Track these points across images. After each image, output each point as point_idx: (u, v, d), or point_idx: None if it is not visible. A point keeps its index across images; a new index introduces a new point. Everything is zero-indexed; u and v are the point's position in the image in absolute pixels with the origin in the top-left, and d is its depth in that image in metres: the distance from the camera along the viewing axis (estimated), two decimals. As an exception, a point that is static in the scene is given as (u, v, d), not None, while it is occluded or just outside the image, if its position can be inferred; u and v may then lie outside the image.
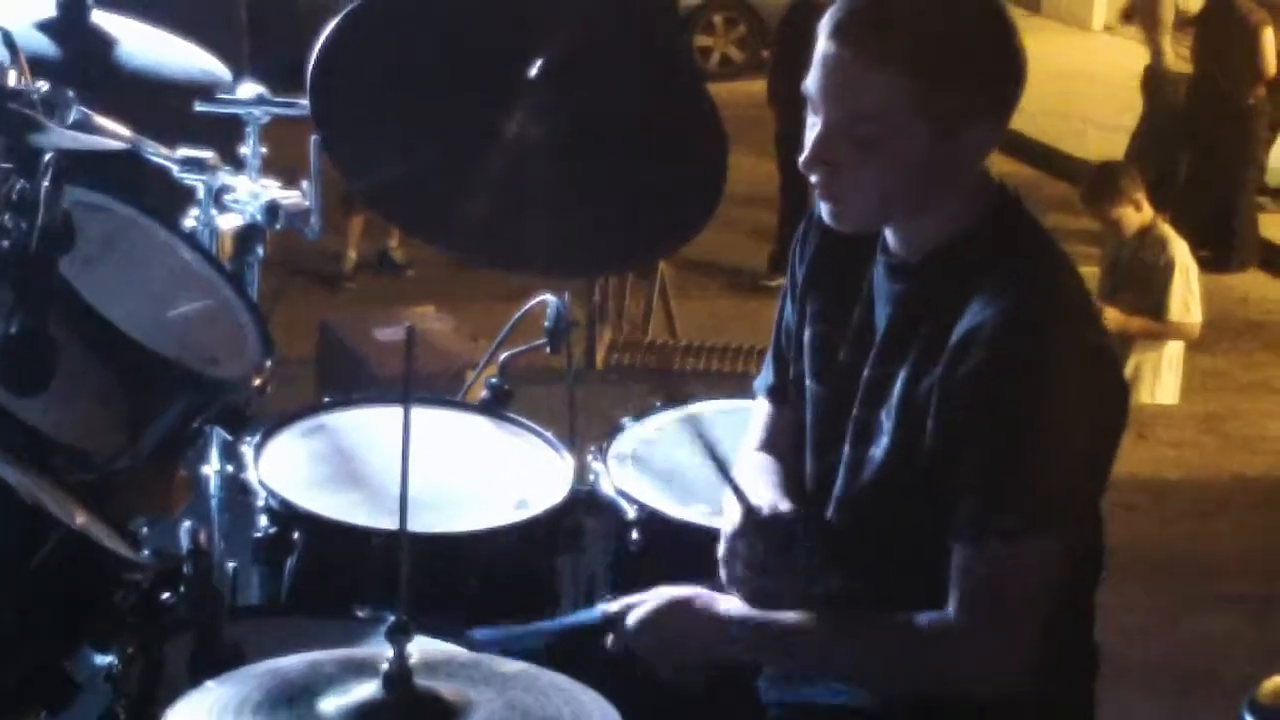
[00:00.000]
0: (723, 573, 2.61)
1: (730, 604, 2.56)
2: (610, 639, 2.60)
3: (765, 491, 2.65)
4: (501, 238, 3.45)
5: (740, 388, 3.53)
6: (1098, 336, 2.49)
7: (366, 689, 2.10)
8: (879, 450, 2.49)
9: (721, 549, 2.63)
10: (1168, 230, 6.56)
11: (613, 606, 2.62)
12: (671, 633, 2.55)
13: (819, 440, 2.61)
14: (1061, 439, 2.38)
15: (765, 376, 2.81)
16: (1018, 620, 2.38)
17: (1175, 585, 5.02)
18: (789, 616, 2.52)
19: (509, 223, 3.43)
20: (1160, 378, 6.40)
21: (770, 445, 2.79)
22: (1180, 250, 6.44)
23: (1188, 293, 6.39)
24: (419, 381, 2.40)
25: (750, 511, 2.58)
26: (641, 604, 2.59)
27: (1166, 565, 5.13)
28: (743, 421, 2.92)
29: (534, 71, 3.37)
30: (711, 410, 3.50)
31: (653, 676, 2.54)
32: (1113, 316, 6.10)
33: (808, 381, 2.64)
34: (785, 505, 2.60)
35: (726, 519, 2.65)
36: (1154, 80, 8.88)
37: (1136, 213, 6.53)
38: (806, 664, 2.55)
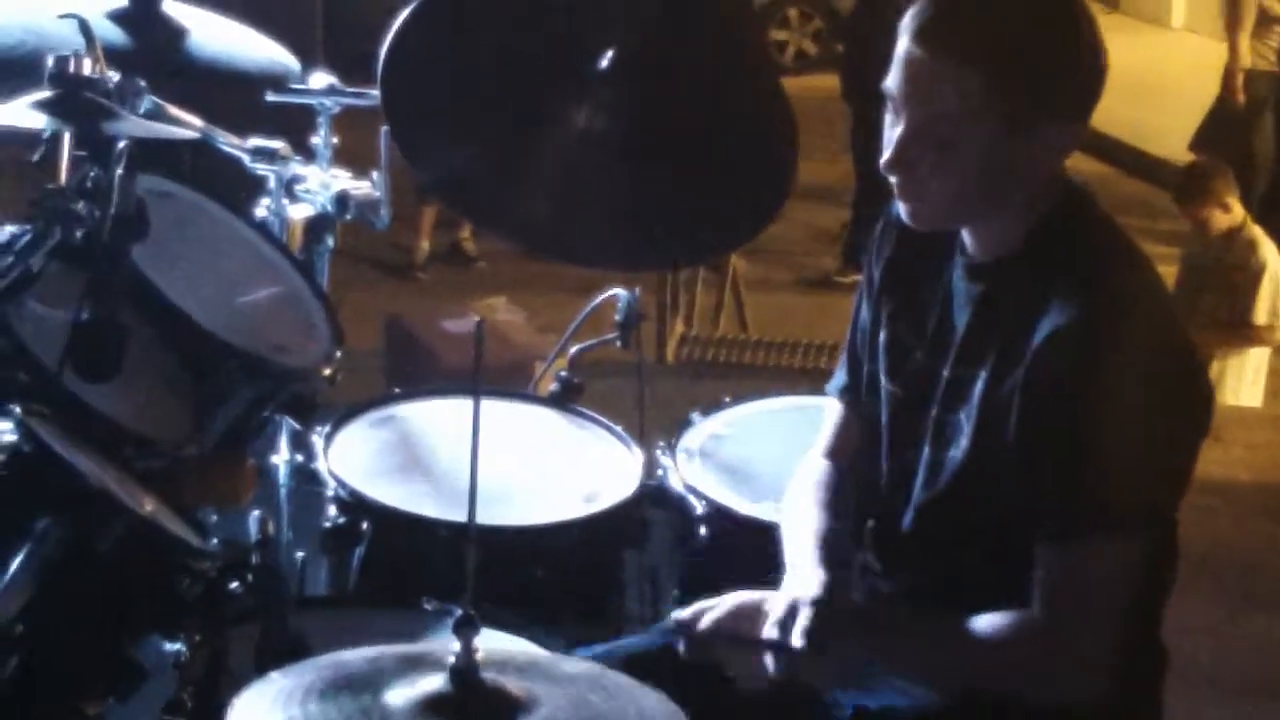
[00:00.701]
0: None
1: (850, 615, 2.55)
2: (683, 645, 2.58)
3: (803, 554, 2.62)
4: (569, 230, 3.44)
5: (812, 383, 3.51)
6: (1181, 338, 2.47)
7: (432, 682, 2.10)
8: (958, 451, 2.48)
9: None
10: (1258, 233, 6.49)
11: (685, 613, 2.60)
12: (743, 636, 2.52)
13: (894, 441, 2.60)
14: (1145, 441, 2.36)
15: (839, 377, 2.80)
16: (1101, 620, 2.38)
17: (1245, 588, 4.97)
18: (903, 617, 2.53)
19: (577, 215, 3.43)
20: (1243, 382, 6.34)
21: (837, 452, 2.79)
22: (1271, 254, 6.38)
23: (1275, 298, 6.32)
24: (487, 374, 2.40)
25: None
26: (713, 608, 2.57)
27: (1236, 568, 5.09)
28: (814, 419, 2.90)
29: (605, 63, 3.36)
30: (782, 405, 3.48)
31: (724, 680, 2.52)
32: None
33: (883, 381, 2.63)
34: (816, 584, 2.56)
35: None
36: (1230, 80, 8.79)
37: (1225, 214, 6.46)
38: (884, 663, 2.53)
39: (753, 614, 2.52)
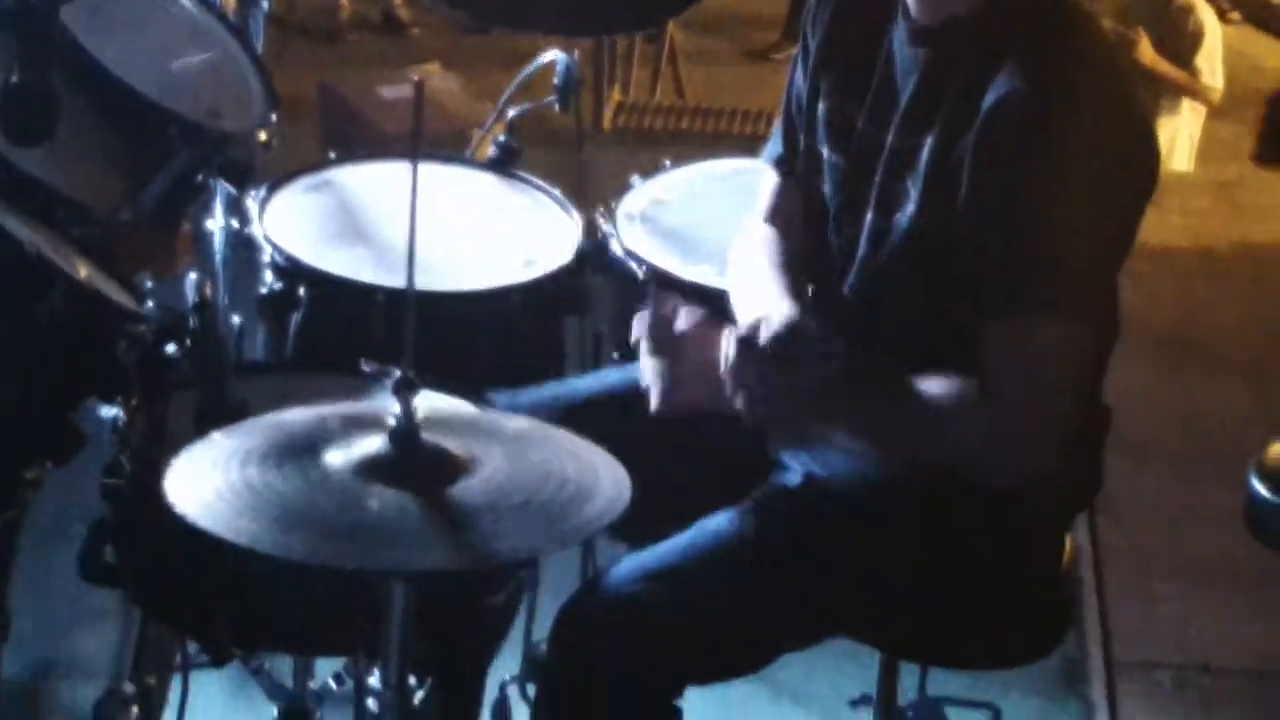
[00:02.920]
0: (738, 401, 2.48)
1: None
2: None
3: (765, 284, 2.59)
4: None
5: (751, 150, 3.49)
6: (1134, 105, 2.43)
7: (372, 443, 2.10)
8: (904, 217, 2.44)
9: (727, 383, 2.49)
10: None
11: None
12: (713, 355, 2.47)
13: (839, 210, 2.56)
14: (1094, 213, 2.32)
15: (773, 146, 2.75)
16: (1049, 396, 2.34)
17: (1180, 354, 5.01)
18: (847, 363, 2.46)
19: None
20: (1176, 146, 6.32)
21: (776, 216, 2.75)
22: (1209, 16, 6.33)
23: (1215, 58, 6.28)
24: (424, 142, 2.37)
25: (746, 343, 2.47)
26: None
27: (1171, 334, 5.12)
28: (755, 183, 2.88)
29: None
30: (723, 170, 3.46)
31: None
32: (1146, 52, 6.03)
33: (824, 152, 2.58)
34: (784, 308, 2.55)
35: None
36: None
37: None
38: (832, 417, 2.46)
39: (715, 336, 2.49)
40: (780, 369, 2.42)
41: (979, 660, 2.78)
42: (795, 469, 2.55)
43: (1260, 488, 3.13)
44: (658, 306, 2.50)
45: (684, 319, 2.50)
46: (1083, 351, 2.36)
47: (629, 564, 2.49)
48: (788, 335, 2.43)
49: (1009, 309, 2.33)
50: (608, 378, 2.80)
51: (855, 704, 3.06)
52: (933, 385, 2.38)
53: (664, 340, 2.48)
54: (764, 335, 2.43)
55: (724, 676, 2.60)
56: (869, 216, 2.49)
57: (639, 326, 2.52)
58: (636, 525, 2.35)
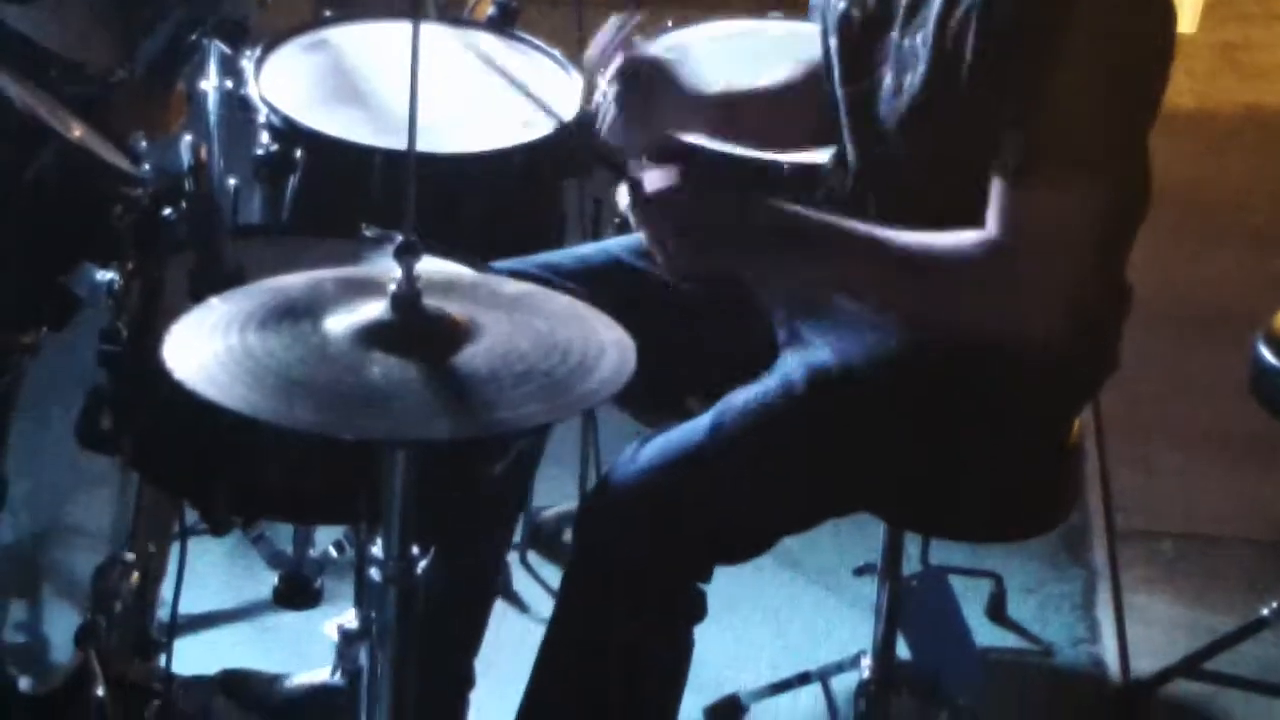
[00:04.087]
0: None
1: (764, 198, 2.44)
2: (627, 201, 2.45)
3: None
4: None
5: (751, 12, 3.43)
6: None
7: (374, 308, 2.06)
8: (916, 76, 2.39)
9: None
10: None
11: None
12: (691, 209, 2.42)
13: (849, 67, 2.51)
14: (1110, 72, 2.27)
15: None
16: (1064, 254, 2.30)
17: (1185, 220, 4.97)
18: (822, 214, 2.41)
19: None
20: (1180, 5, 6.24)
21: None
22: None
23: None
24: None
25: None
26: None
27: (1175, 198, 5.08)
28: (757, 45, 2.83)
29: None
30: (726, 31, 3.40)
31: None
32: None
33: (841, 5, 2.52)
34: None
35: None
36: None
37: None
38: (834, 267, 2.42)
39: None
40: (677, 211, 2.38)
41: (985, 533, 2.78)
42: (821, 346, 2.52)
43: (1268, 354, 3.11)
44: (631, 177, 2.45)
45: (653, 180, 2.45)
46: (1096, 210, 2.31)
47: (648, 451, 2.46)
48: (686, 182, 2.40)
49: (1020, 167, 2.29)
50: (609, 246, 2.76)
51: (859, 573, 3.05)
52: (936, 238, 2.34)
53: (645, 208, 2.43)
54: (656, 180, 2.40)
55: (742, 558, 2.58)
56: (887, 76, 2.44)
57: (621, 200, 2.48)
58: (640, 394, 2.34)
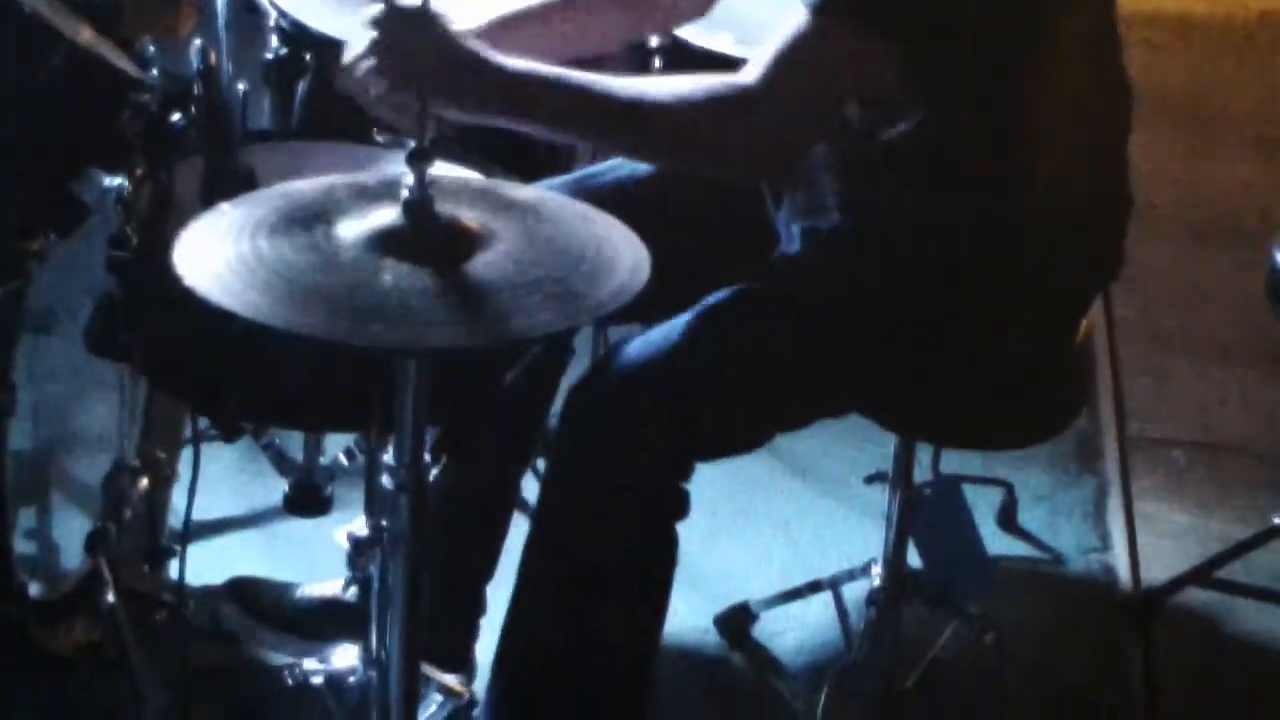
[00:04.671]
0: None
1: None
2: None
3: None
4: None
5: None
6: None
7: (386, 215, 2.04)
8: None
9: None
10: None
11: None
12: (407, 42, 2.39)
13: None
14: None
15: None
16: (788, 73, 2.30)
17: (1197, 125, 4.94)
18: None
19: None
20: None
21: None
22: None
23: None
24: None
25: None
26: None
27: (1187, 104, 5.05)
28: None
29: None
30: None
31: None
32: None
33: None
34: None
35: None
36: None
37: None
38: (557, 106, 2.39)
39: None
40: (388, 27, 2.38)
41: (992, 441, 2.77)
42: (798, 240, 2.50)
43: (1285, 261, 3.09)
44: None
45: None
46: (867, 51, 2.30)
47: (637, 344, 2.45)
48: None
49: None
50: (620, 169, 2.74)
51: (870, 481, 3.04)
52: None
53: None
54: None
55: (730, 452, 2.58)
56: None
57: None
58: (652, 308, 2.33)
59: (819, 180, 2.45)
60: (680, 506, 2.48)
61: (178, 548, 2.59)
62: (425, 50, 2.35)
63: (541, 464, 3.33)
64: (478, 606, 2.85)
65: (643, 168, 2.66)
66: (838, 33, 2.29)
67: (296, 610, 2.95)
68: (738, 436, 2.54)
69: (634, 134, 2.40)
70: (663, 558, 2.50)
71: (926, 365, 2.47)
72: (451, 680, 2.52)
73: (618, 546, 2.45)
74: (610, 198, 2.40)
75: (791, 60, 2.30)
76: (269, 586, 3.00)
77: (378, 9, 2.39)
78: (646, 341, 2.45)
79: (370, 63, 2.41)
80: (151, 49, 2.68)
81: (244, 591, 2.98)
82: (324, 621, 2.89)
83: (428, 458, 2.14)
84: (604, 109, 2.37)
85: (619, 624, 2.49)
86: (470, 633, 2.85)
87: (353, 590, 2.75)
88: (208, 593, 2.98)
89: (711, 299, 2.47)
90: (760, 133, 2.34)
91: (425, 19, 2.36)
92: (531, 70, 2.37)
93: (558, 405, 2.61)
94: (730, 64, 2.71)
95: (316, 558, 3.13)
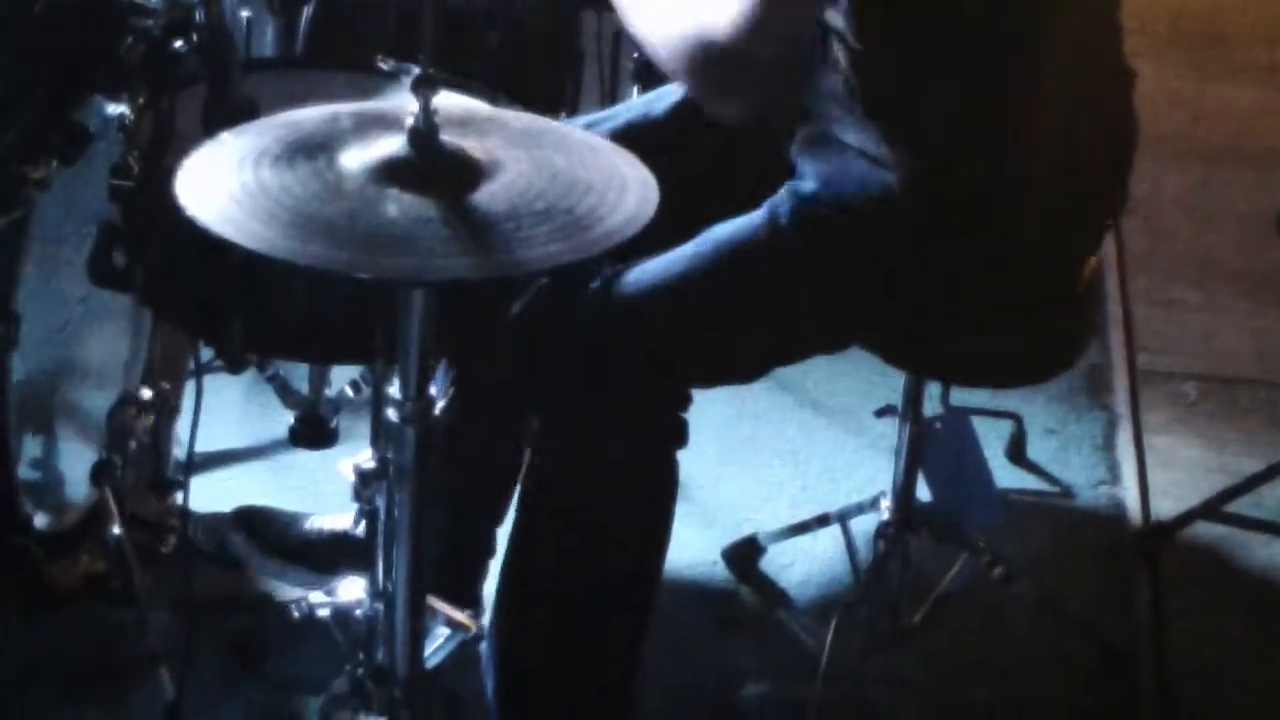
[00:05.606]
0: None
1: None
2: None
3: None
4: None
5: None
6: None
7: (390, 144, 2.02)
8: None
9: None
10: None
11: None
12: None
13: None
14: None
15: None
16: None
17: (1207, 53, 4.89)
18: None
19: None
20: None
21: None
22: None
23: None
24: None
25: None
26: None
27: (1195, 32, 5.00)
28: None
29: None
30: None
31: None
32: None
33: None
34: None
35: None
36: None
37: None
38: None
39: None
40: None
41: (1000, 377, 2.75)
42: (810, 177, 2.47)
43: (1298, 195, 3.06)
44: None
45: None
46: None
47: (636, 271, 2.43)
48: None
49: None
50: (630, 110, 2.70)
51: (880, 414, 3.03)
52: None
53: None
54: None
55: (726, 380, 2.59)
56: None
57: None
58: (661, 246, 2.31)
59: (824, 108, 2.42)
60: (678, 435, 2.46)
61: (182, 479, 2.58)
62: None
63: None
64: (487, 548, 2.84)
65: (655, 110, 2.63)
66: None
67: (305, 541, 2.94)
68: (735, 367, 2.53)
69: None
70: (663, 486, 2.49)
71: (931, 301, 2.45)
72: (458, 614, 2.51)
73: (616, 475, 2.45)
74: (621, 139, 2.38)
75: None
76: (276, 516, 2.99)
77: None
78: (645, 269, 2.43)
79: None
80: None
81: (251, 520, 2.98)
82: (332, 554, 2.88)
83: (433, 391, 2.12)
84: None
85: (620, 553, 2.49)
86: (479, 573, 2.84)
87: (363, 525, 2.74)
88: (215, 520, 2.97)
89: (713, 229, 2.45)
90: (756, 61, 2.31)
91: None
92: None
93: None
94: None
95: (322, 490, 3.12)
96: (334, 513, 2.94)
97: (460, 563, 2.79)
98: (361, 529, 2.41)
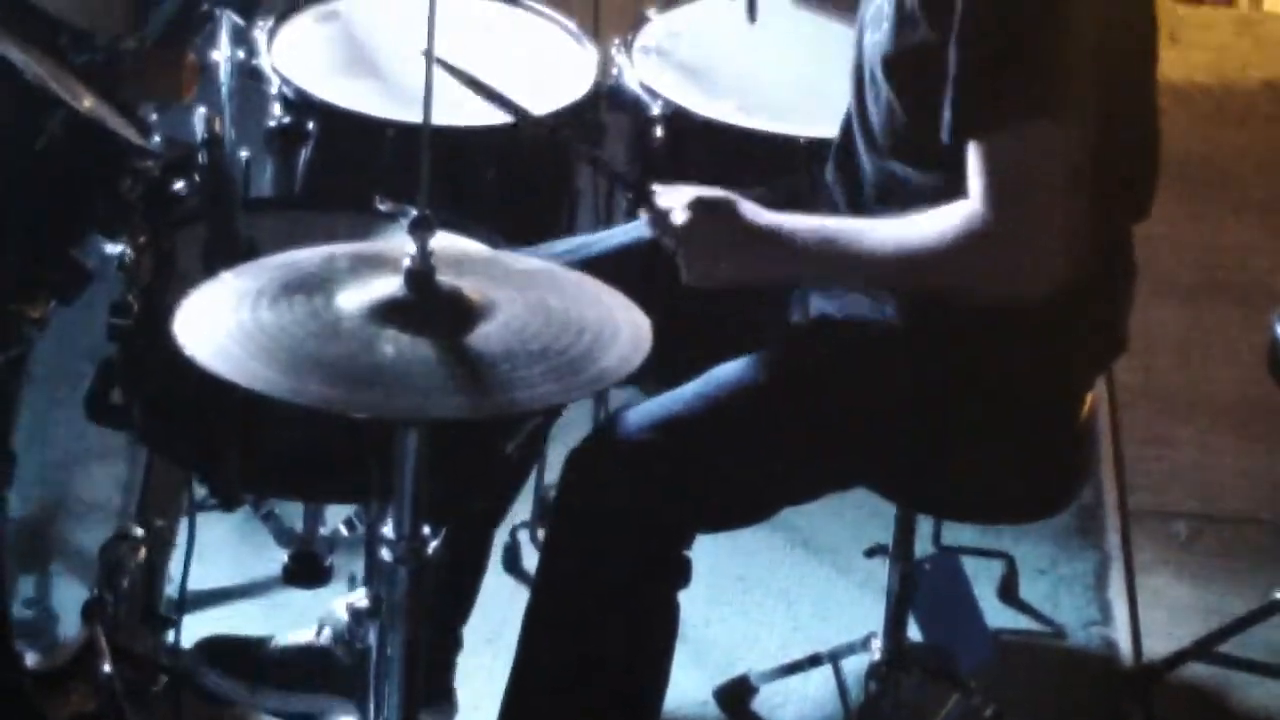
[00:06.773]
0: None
1: (759, 210, 2.46)
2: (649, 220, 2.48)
3: None
4: None
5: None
6: None
7: (387, 284, 2.04)
8: (880, 35, 2.38)
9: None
10: None
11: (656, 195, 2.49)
12: (712, 234, 2.43)
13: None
14: (1051, 16, 2.25)
15: None
16: (1042, 202, 2.27)
17: (1200, 190, 4.93)
18: (822, 217, 2.42)
19: None
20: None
21: None
22: None
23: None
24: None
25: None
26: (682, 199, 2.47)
27: (1191, 170, 5.05)
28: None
29: None
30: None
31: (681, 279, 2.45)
32: None
33: None
34: None
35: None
36: None
37: None
38: (840, 262, 2.40)
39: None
40: (695, 221, 2.39)
41: (990, 514, 2.76)
42: (809, 309, 2.49)
43: (1286, 332, 3.08)
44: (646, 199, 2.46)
45: (665, 198, 2.45)
46: (1067, 144, 2.27)
47: (639, 411, 2.45)
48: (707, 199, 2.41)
49: (981, 127, 2.27)
50: (623, 235, 2.73)
51: (870, 554, 3.03)
52: (919, 220, 2.32)
53: (671, 232, 2.43)
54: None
55: (733, 525, 2.58)
56: (866, 36, 2.44)
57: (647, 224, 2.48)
58: (653, 370, 2.32)
59: None
60: (681, 575, 2.47)
61: (175, 616, 2.58)
62: (730, 244, 2.39)
63: (542, 534, 3.34)
64: (455, 644, 2.83)
65: (644, 235, 2.65)
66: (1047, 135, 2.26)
67: (273, 664, 2.91)
68: (742, 509, 2.53)
69: (911, 285, 2.39)
70: (664, 627, 2.49)
71: (922, 434, 2.46)
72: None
73: (619, 615, 2.44)
74: (612, 265, 2.40)
75: (1016, 182, 2.27)
76: (240, 642, 2.96)
77: (688, 196, 2.42)
78: (649, 409, 2.44)
79: (680, 250, 2.42)
80: (154, 115, 2.68)
81: (215, 650, 2.94)
82: (303, 670, 2.86)
83: (426, 531, 2.13)
84: (879, 265, 2.36)
85: (620, 695, 2.48)
86: (448, 668, 2.82)
87: (326, 633, 2.73)
88: (186, 657, 2.95)
89: (717, 370, 2.46)
90: (1017, 256, 2.30)
91: (728, 209, 2.39)
92: (807, 230, 2.39)
93: (555, 474, 2.59)
94: (731, 134, 2.73)
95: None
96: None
97: (430, 660, 2.78)
98: (326, 637, 2.40)
